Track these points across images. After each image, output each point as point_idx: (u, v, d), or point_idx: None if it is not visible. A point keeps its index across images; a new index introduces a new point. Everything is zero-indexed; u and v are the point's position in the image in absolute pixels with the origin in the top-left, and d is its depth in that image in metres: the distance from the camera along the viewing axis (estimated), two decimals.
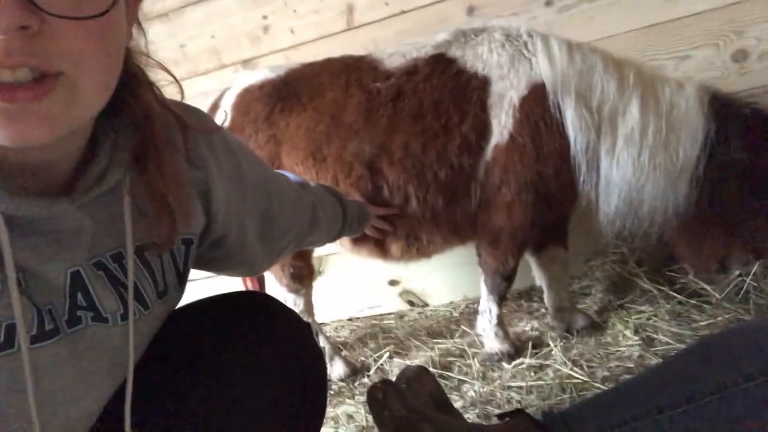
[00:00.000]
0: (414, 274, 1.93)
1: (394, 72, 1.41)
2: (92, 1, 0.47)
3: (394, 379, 1.03)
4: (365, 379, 1.57)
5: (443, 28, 1.46)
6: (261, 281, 1.76)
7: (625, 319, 1.50)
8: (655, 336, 1.40)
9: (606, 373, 1.31)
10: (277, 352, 0.78)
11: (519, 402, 1.27)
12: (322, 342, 1.57)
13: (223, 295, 0.84)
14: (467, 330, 1.67)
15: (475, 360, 1.48)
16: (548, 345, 1.47)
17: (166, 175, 0.63)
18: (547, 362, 1.39)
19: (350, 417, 1.39)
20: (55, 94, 0.47)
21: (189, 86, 1.91)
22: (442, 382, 1.40)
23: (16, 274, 0.52)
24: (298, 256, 1.53)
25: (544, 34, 1.36)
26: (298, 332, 0.83)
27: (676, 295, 1.52)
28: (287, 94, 1.48)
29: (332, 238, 1.19)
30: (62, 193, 0.56)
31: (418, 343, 1.69)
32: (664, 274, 1.62)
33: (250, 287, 1.76)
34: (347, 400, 1.46)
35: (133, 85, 0.60)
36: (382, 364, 1.61)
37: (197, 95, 1.83)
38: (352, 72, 1.44)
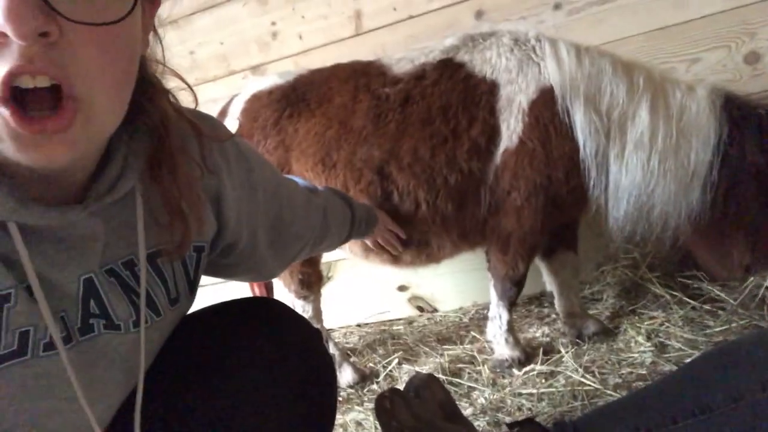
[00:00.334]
0: (423, 279, 1.92)
1: (402, 77, 1.41)
2: (110, 8, 0.48)
3: (403, 385, 1.02)
4: (374, 386, 1.56)
5: (451, 33, 1.45)
6: (269, 288, 1.76)
7: (638, 325, 1.48)
8: (668, 342, 1.38)
9: (618, 380, 1.29)
10: (288, 358, 0.78)
11: (530, 409, 1.26)
12: (331, 348, 1.57)
13: (233, 301, 0.84)
14: (477, 336, 1.66)
15: (485, 366, 1.47)
16: (559, 351, 1.45)
17: (180, 183, 0.64)
18: (558, 369, 1.38)
19: (359, 424, 1.38)
20: (76, 121, 0.48)
21: (198, 93, 1.91)
22: (451, 388, 1.39)
23: (29, 282, 0.52)
24: (307, 262, 1.53)
25: (552, 37, 1.35)
26: (308, 338, 0.83)
27: (689, 300, 1.50)
28: (296, 99, 1.49)
29: (342, 241, 1.19)
30: (75, 200, 0.56)
31: (427, 350, 1.68)
32: (676, 279, 1.60)
33: (258, 294, 1.76)
34: (356, 407, 1.46)
35: (149, 92, 0.61)
36: (391, 371, 1.61)
37: (206, 102, 1.84)
38: (361, 77, 1.45)
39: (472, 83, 1.35)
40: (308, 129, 1.45)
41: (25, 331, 0.53)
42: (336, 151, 1.41)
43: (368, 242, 1.41)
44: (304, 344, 0.81)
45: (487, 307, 1.55)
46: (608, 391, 1.25)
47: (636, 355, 1.36)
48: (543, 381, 1.35)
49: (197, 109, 0.73)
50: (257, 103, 1.53)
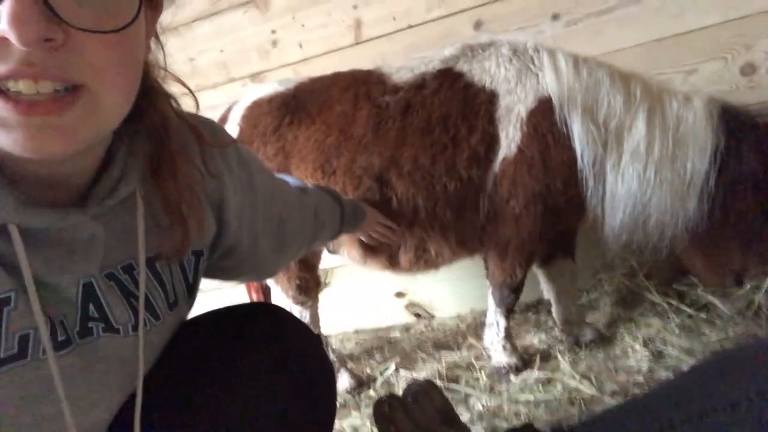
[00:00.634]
0: (421, 286, 1.93)
1: (402, 86, 1.42)
2: (114, 16, 0.48)
3: (400, 391, 1.02)
4: (371, 392, 1.56)
5: (451, 43, 1.47)
6: (267, 292, 1.76)
7: (634, 332, 1.49)
8: (664, 349, 1.39)
9: (615, 387, 1.30)
10: (288, 363, 0.78)
11: (527, 416, 1.26)
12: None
13: (233, 306, 0.84)
14: (474, 343, 1.67)
15: (483, 373, 1.48)
16: (556, 358, 1.46)
17: (181, 186, 0.64)
18: (556, 375, 1.39)
19: (356, 430, 1.38)
20: (75, 108, 0.47)
21: (198, 99, 1.93)
22: (449, 395, 1.39)
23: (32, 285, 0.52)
24: (304, 267, 1.54)
25: (550, 48, 1.36)
26: (308, 344, 0.83)
27: (686, 308, 1.51)
28: (296, 107, 1.50)
29: (334, 236, 1.22)
30: (76, 204, 0.56)
31: (424, 356, 1.68)
32: (673, 287, 1.61)
33: (256, 299, 1.76)
34: (353, 413, 1.46)
35: (151, 96, 0.61)
36: (388, 377, 1.61)
37: (206, 108, 1.84)
38: (361, 86, 1.46)
39: (471, 92, 1.36)
40: (308, 136, 1.46)
41: (26, 334, 0.53)
42: (336, 158, 1.42)
43: (363, 238, 1.42)
44: (304, 349, 0.82)
45: (484, 313, 1.55)
46: (605, 398, 1.26)
47: (633, 362, 1.37)
48: (540, 387, 1.36)
49: (198, 114, 0.74)
50: (257, 110, 1.53)
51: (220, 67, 2.01)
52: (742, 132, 1.23)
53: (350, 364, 1.71)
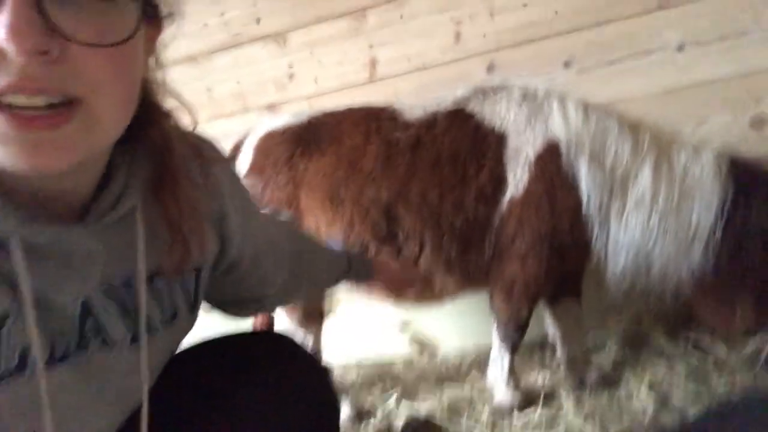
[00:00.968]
0: (425, 318, 1.92)
1: (413, 123, 1.45)
2: (113, 30, 0.48)
3: (401, 423, 1.02)
4: (371, 423, 1.54)
5: (463, 84, 1.50)
6: (271, 320, 1.76)
7: (640, 374, 1.47)
8: (670, 393, 1.37)
9: (619, 429, 1.28)
10: (293, 393, 0.78)
11: None
12: None
13: (240, 334, 0.84)
14: (477, 378, 1.65)
15: (485, 409, 1.46)
16: (560, 398, 1.45)
17: (181, 203, 0.64)
18: (559, 415, 1.37)
19: None
20: (72, 122, 0.47)
21: (213, 127, 1.96)
22: (450, 429, 1.38)
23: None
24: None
25: (561, 93, 1.39)
26: (316, 376, 0.83)
27: (693, 353, 1.50)
28: (308, 139, 1.53)
29: (336, 280, 1.12)
30: (76, 220, 0.56)
31: (426, 389, 1.67)
32: (681, 331, 1.60)
33: (259, 326, 1.76)
34: None
35: (151, 113, 0.61)
36: (389, 409, 1.59)
37: (221, 136, 1.88)
38: (373, 121, 1.49)
39: (481, 133, 1.39)
40: (318, 168, 1.49)
41: (26, 349, 0.52)
42: (345, 189, 1.45)
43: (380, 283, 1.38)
44: (311, 382, 0.81)
45: (488, 349, 1.55)
46: None
47: (638, 405, 1.36)
48: (543, 427, 1.34)
49: (208, 138, 0.74)
50: (270, 141, 1.57)
51: (236, 98, 2.05)
52: (751, 186, 1.24)
53: (351, 395, 1.70)
